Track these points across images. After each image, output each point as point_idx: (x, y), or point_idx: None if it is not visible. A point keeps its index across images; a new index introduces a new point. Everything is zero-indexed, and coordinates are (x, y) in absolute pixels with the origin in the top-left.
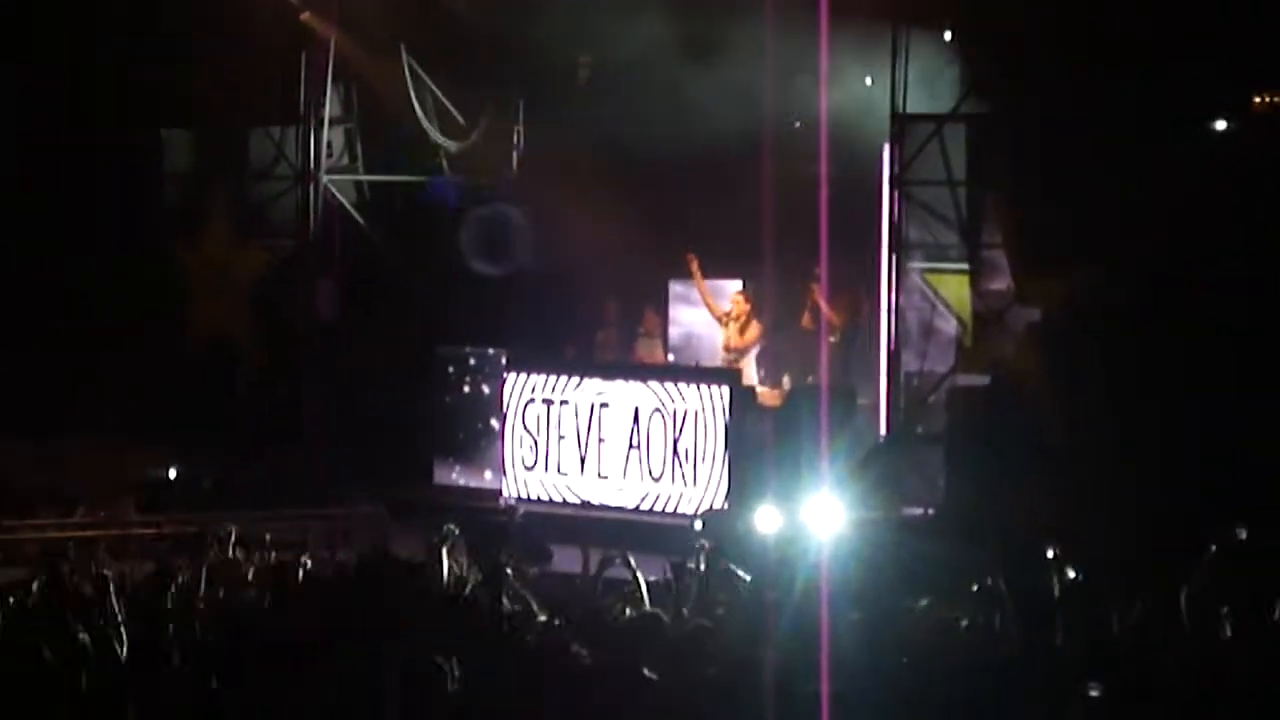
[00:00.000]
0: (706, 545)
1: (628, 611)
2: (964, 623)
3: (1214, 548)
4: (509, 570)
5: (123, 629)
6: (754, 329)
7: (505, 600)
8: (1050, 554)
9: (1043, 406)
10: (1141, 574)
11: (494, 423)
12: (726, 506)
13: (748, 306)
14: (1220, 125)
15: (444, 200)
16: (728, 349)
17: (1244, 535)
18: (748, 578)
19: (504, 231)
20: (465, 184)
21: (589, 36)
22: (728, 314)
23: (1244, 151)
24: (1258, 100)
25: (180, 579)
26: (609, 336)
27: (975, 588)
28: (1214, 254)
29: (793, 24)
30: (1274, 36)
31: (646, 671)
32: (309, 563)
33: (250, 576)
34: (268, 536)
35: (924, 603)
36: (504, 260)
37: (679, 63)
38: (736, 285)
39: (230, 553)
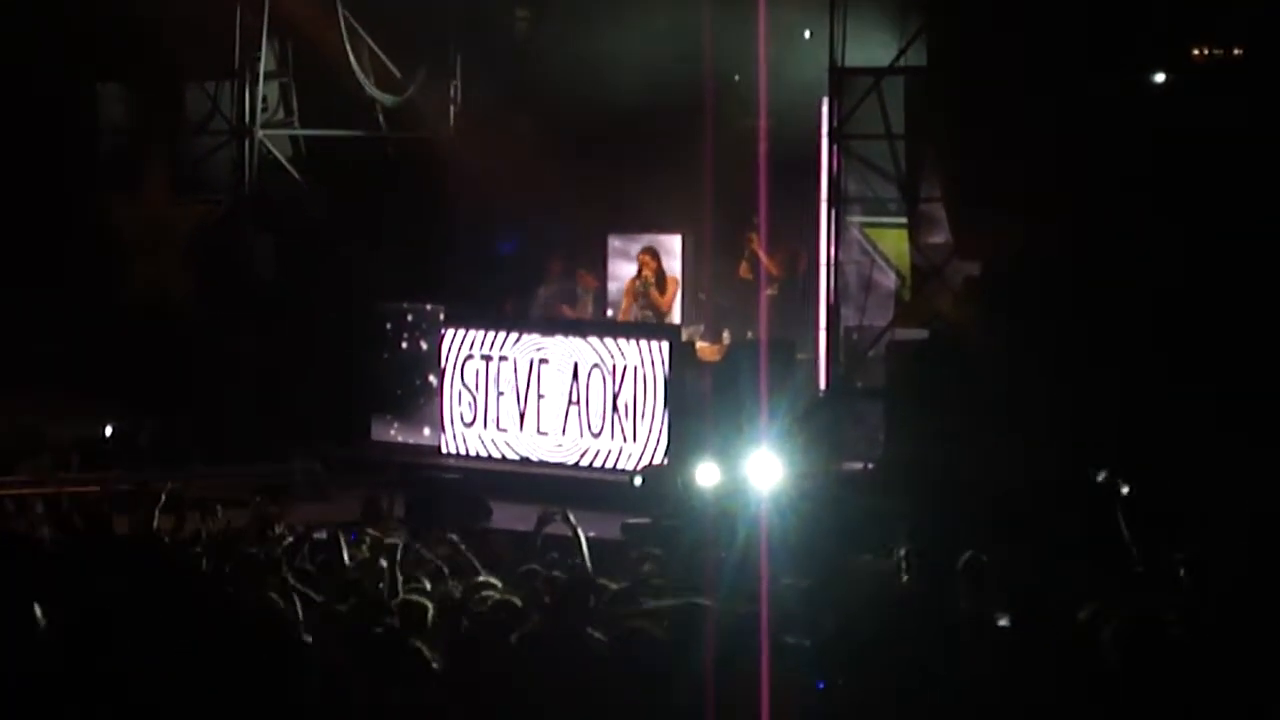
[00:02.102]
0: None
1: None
2: (902, 579)
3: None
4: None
5: None
6: (671, 284)
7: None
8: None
9: (980, 360)
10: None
11: (432, 379)
12: (666, 462)
13: (655, 264)
14: (1159, 78)
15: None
16: (655, 311)
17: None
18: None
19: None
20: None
21: None
22: (637, 278)
23: (1182, 104)
24: (1196, 53)
25: None
26: (550, 292)
27: (905, 550)
28: (1152, 207)
29: None
30: None
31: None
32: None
33: None
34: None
35: (863, 558)
36: None
37: (617, 16)
38: (677, 240)
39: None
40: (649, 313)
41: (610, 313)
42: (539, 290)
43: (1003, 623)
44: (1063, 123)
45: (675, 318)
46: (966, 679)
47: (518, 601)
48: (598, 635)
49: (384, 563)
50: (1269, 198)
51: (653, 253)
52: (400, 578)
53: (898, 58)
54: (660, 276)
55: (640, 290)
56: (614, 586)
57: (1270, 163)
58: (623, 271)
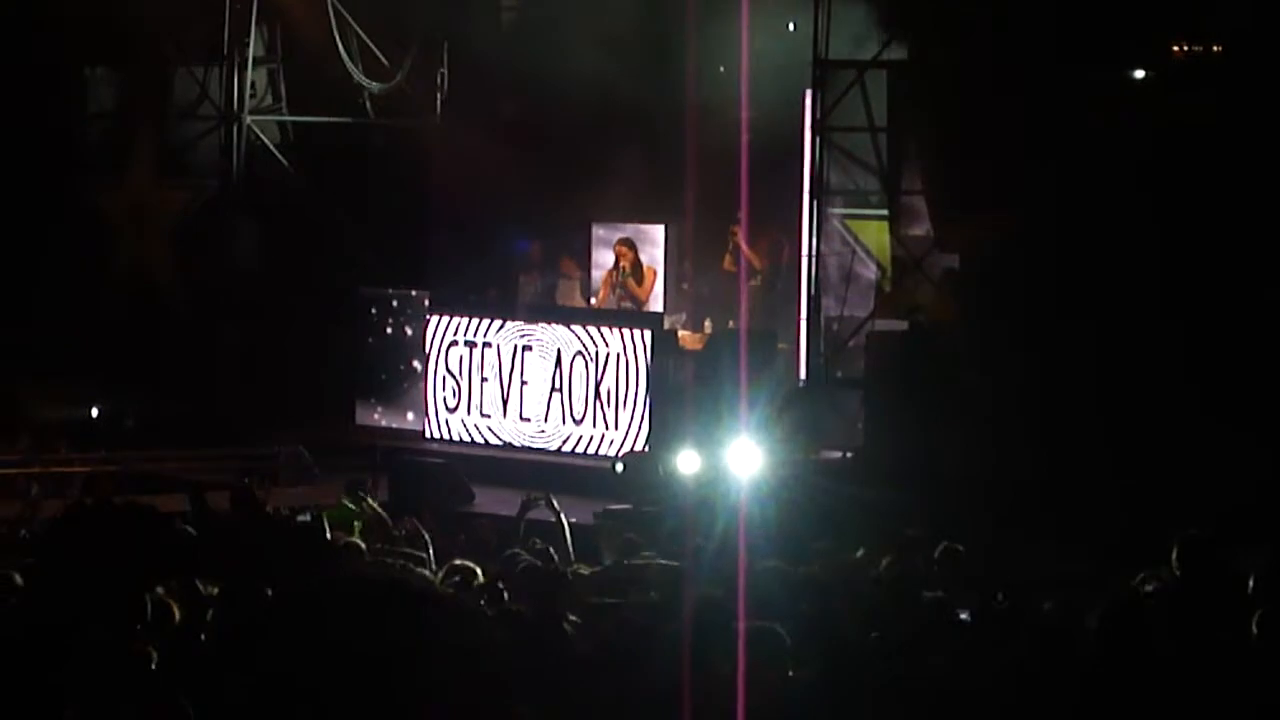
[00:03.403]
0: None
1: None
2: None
3: None
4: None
5: None
6: (648, 274)
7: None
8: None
9: (959, 351)
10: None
11: (416, 364)
12: (647, 449)
13: (632, 254)
14: (1139, 74)
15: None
16: (634, 301)
17: None
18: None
19: None
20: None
21: None
22: (615, 269)
23: (1162, 100)
24: (1176, 50)
25: None
26: (532, 278)
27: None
28: (1131, 201)
29: None
30: None
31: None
32: None
33: None
34: None
35: (860, 553)
36: None
37: (603, 6)
38: (660, 230)
39: None
40: (628, 303)
41: (594, 301)
42: (519, 277)
43: (965, 616)
44: (1043, 117)
45: (655, 306)
46: (950, 665)
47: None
48: (573, 619)
49: (362, 544)
50: (1248, 192)
51: (629, 243)
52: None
53: (881, 51)
54: (637, 267)
55: (618, 281)
56: (585, 572)
57: (1249, 157)
58: (606, 260)
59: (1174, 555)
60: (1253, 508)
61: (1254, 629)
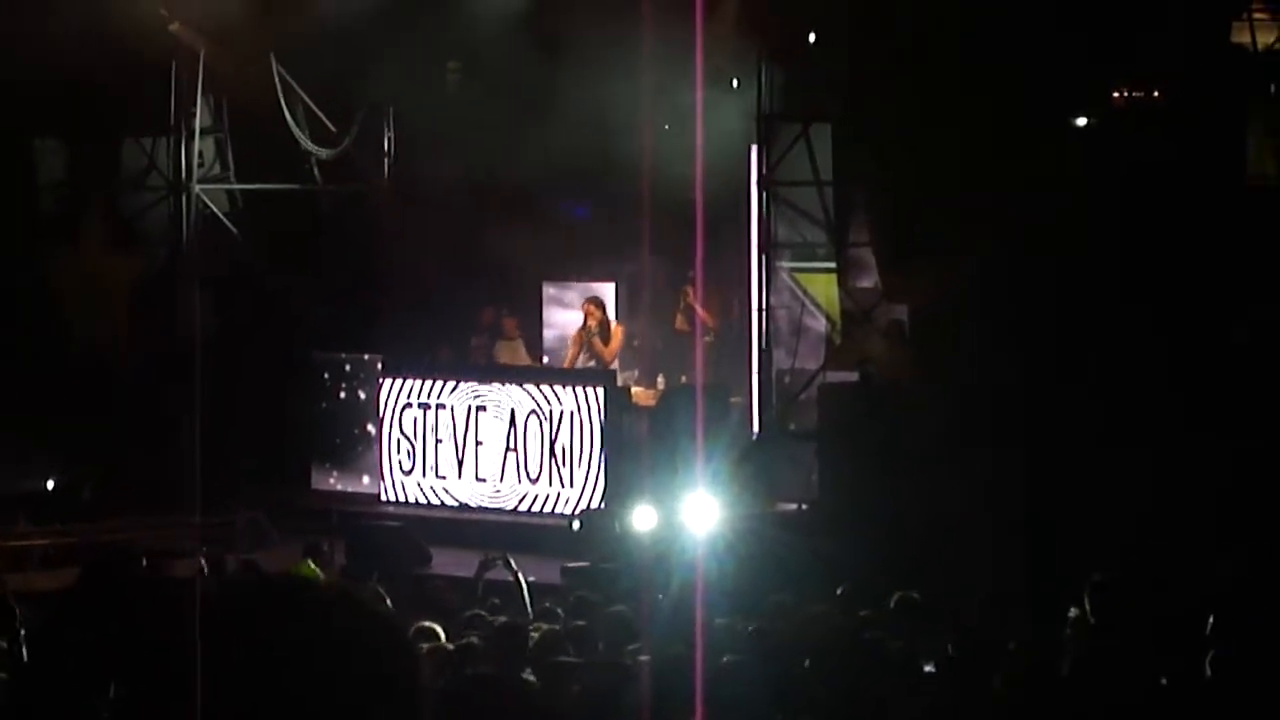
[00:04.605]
0: None
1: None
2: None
3: None
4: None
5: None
6: (616, 333)
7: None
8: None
9: (909, 401)
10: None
11: (371, 428)
12: (604, 506)
13: (600, 314)
14: (1080, 121)
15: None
16: (599, 360)
17: None
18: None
19: None
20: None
21: (456, 42)
22: (583, 328)
23: (1104, 146)
24: (1116, 95)
25: None
26: (483, 341)
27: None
28: (1076, 248)
29: (660, 26)
30: (1131, 32)
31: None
32: None
33: None
34: None
35: (817, 609)
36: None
37: (548, 66)
38: (610, 287)
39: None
40: (593, 362)
41: (546, 359)
42: (471, 340)
43: (928, 668)
44: (987, 164)
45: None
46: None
47: (450, 647)
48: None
49: None
50: (1192, 234)
51: (597, 302)
52: None
53: (824, 105)
54: (604, 326)
55: (584, 340)
56: (529, 632)
57: (1193, 201)
58: (558, 319)
59: (1085, 601)
60: (1219, 539)
61: (1207, 669)
